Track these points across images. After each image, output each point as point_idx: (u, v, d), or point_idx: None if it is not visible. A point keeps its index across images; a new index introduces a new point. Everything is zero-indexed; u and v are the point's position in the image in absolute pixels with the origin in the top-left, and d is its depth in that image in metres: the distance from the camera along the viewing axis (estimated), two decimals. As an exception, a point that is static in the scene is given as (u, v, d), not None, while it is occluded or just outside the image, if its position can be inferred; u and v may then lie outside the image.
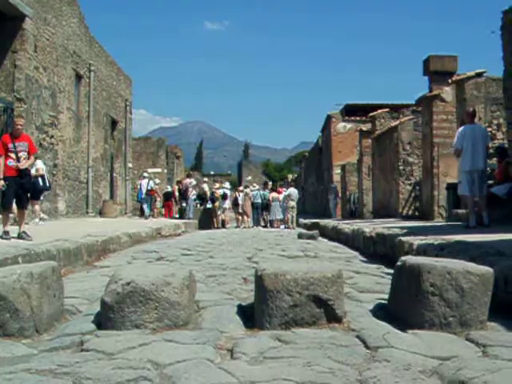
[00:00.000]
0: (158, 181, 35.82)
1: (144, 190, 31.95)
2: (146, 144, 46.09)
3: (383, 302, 6.02)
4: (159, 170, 44.21)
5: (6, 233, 11.50)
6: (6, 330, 5.15)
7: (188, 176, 36.22)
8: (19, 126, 12.31)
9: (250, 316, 5.56)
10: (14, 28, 19.47)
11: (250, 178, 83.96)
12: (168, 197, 35.75)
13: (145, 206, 32.04)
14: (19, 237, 11.53)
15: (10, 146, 11.94)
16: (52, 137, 22.44)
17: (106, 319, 5.31)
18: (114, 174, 33.32)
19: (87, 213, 27.47)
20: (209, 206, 34.58)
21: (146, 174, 34.02)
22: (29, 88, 20.01)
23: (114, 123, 33.18)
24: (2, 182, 11.67)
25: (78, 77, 26.64)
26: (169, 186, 37.48)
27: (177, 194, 34.47)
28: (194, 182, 33.90)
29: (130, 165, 36.48)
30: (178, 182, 36.32)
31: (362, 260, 11.49)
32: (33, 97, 20.43)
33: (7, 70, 19.58)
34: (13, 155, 11.92)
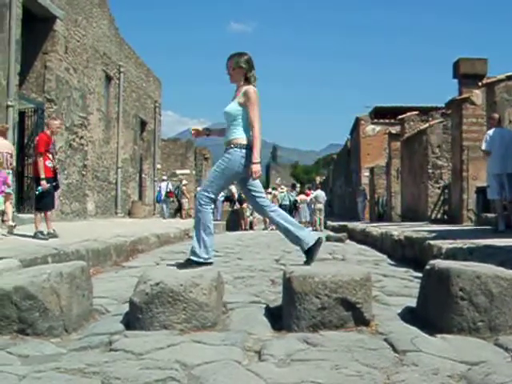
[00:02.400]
0: (185, 182, 35.97)
1: (163, 192, 32.69)
2: (175, 145, 46.24)
3: (411, 305, 5.99)
4: (188, 171, 44.36)
5: (42, 232, 11.78)
6: (36, 329, 5.20)
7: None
8: (60, 127, 12.64)
9: (278, 318, 5.56)
10: (45, 29, 19.66)
11: (279, 179, 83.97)
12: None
13: (164, 207, 32.90)
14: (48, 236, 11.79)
15: (50, 146, 12.12)
16: (82, 138, 22.61)
17: (134, 319, 5.34)
18: (143, 175, 33.49)
19: (116, 213, 27.62)
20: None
21: (164, 177, 35.25)
22: (59, 89, 20.18)
23: (143, 124, 33.34)
24: (45, 183, 11.80)
25: (108, 78, 26.81)
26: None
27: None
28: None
29: (158, 166, 36.64)
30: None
31: (390, 263, 11.44)
32: (63, 98, 20.60)
33: (38, 71, 19.77)
34: (50, 156, 12.07)
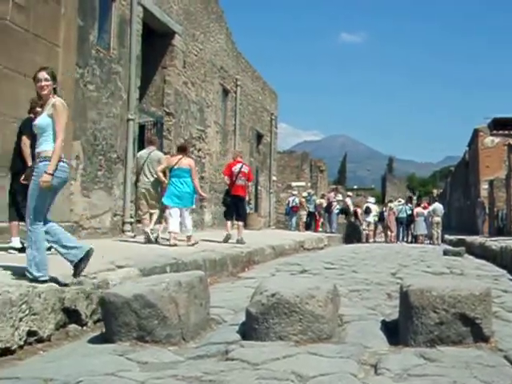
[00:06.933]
0: (305, 194, 36.02)
1: (290, 206, 33.07)
2: (290, 158, 46.37)
3: (533, 322, 5.82)
4: (303, 183, 44.40)
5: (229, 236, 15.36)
6: (154, 336, 5.33)
7: (333, 190, 36.28)
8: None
9: (394, 332, 5.51)
10: (164, 44, 20.11)
11: (399, 197, 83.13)
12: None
13: (290, 220, 33.69)
14: (237, 242, 15.01)
15: None
16: (199, 150, 23.00)
17: (250, 329, 5.39)
18: (259, 187, 33.72)
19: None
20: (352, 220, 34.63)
21: (294, 192, 36.00)
22: (178, 103, 20.58)
23: (259, 137, 33.59)
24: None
25: (225, 92, 27.14)
26: (317, 200, 37.75)
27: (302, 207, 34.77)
28: (340, 197, 33.85)
29: (274, 178, 36.84)
30: (323, 196, 36.38)
31: (511, 278, 11.13)
32: (181, 111, 21.00)
33: (157, 85, 20.23)
34: None
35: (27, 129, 9.64)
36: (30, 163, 9.38)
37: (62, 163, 6.55)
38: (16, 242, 9.53)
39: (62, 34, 12.97)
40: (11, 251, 9.32)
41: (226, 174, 16.11)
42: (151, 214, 13.26)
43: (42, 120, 6.56)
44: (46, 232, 6.57)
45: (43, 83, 6.58)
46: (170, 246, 12.38)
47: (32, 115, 9.85)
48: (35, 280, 6.11)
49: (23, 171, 8.79)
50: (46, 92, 6.62)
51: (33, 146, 8.58)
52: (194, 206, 14.32)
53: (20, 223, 9.47)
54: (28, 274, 6.20)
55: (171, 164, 13.31)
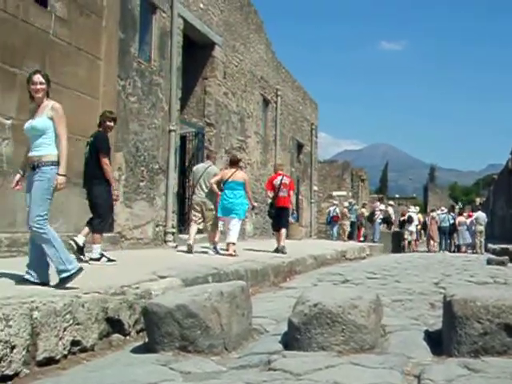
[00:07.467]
0: (346, 204, 35.95)
1: (331, 215, 33.09)
2: (331, 167, 46.27)
3: None
4: (344, 193, 44.25)
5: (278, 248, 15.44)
6: (197, 346, 5.34)
7: (379, 200, 36.15)
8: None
9: (437, 342, 5.46)
10: (204, 56, 20.26)
11: (441, 206, 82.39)
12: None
13: (331, 230, 33.77)
14: (279, 251, 15.15)
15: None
16: (240, 160, 23.06)
17: (292, 340, 5.38)
18: (300, 197, 33.68)
19: (273, 234, 27.84)
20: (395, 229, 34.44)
21: (335, 202, 36.24)
22: (218, 113, 20.69)
23: (299, 147, 33.58)
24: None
25: (266, 102, 27.18)
26: (359, 210, 37.68)
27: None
28: (383, 207, 33.67)
29: (315, 188, 36.81)
30: (364, 205, 36.30)
31: (556, 288, 10.95)
32: (222, 122, 21.10)
33: (198, 96, 20.36)
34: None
35: (104, 147, 9.81)
36: (113, 184, 9.79)
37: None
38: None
39: (103, 46, 13.15)
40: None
41: (269, 189, 16.59)
42: (200, 229, 13.91)
43: (42, 122, 6.61)
44: None
45: (38, 86, 6.68)
46: (230, 255, 12.81)
47: (102, 129, 10.06)
48: (70, 276, 6.32)
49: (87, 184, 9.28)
50: (40, 95, 6.70)
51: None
52: (243, 218, 14.59)
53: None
54: (61, 274, 6.34)
55: (225, 177, 13.85)
